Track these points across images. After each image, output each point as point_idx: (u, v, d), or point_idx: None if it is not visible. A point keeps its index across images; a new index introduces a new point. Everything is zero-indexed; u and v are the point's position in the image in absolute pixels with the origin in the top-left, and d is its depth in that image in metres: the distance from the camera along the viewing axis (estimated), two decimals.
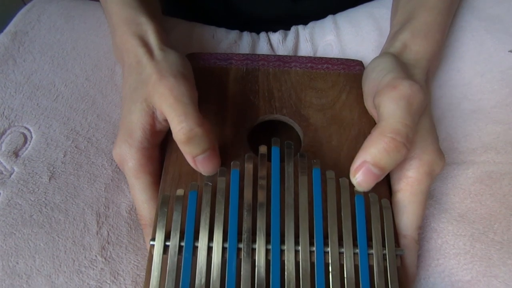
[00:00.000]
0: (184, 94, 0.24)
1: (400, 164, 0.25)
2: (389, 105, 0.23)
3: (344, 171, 0.24)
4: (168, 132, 0.27)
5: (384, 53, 0.30)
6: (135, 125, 0.25)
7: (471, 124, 0.31)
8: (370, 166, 0.22)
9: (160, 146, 0.27)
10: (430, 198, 0.28)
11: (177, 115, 0.23)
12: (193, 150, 0.23)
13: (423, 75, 0.27)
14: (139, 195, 0.26)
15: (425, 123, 0.25)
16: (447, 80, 0.33)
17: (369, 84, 0.28)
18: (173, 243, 0.22)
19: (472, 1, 0.36)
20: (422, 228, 0.26)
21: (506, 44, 0.33)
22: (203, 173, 0.24)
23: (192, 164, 0.24)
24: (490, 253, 0.25)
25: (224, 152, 0.27)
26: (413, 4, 0.31)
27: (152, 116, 0.25)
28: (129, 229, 0.27)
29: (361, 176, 0.22)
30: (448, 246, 0.25)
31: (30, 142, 0.29)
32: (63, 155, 0.29)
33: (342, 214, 0.23)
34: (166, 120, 0.25)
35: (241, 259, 0.22)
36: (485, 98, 0.32)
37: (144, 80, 0.26)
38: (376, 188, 0.25)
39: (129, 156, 0.25)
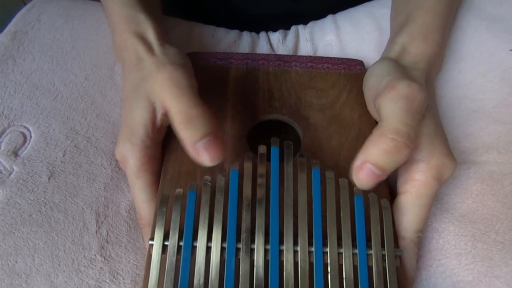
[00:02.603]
0: (182, 78, 0.24)
1: (408, 167, 0.24)
2: (389, 105, 0.23)
3: (344, 171, 0.24)
4: (168, 131, 0.27)
5: (383, 58, 0.29)
6: (137, 122, 0.25)
7: (472, 124, 0.31)
8: (371, 167, 0.22)
9: (161, 146, 0.27)
10: (434, 200, 0.27)
11: (175, 97, 0.23)
12: (192, 133, 0.22)
13: (422, 76, 0.27)
14: (139, 195, 0.26)
15: (431, 125, 0.25)
16: (448, 80, 0.33)
17: (369, 89, 0.28)
18: (172, 242, 0.22)
19: (473, 1, 0.36)
20: (423, 231, 0.26)
21: (507, 43, 0.33)
22: (205, 164, 0.22)
23: (193, 154, 0.22)
24: (491, 254, 0.25)
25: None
26: (411, 6, 0.31)
27: (154, 113, 0.25)
28: (129, 228, 0.27)
29: (362, 176, 0.22)
30: (450, 246, 0.25)
31: (29, 141, 0.29)
32: (62, 155, 0.29)
33: (341, 215, 0.23)
34: (166, 115, 0.25)
35: (239, 259, 0.22)
36: (486, 98, 0.32)
37: (145, 76, 0.26)
38: (376, 188, 0.25)
39: (131, 154, 0.25)
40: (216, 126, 0.23)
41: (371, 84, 0.27)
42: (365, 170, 0.22)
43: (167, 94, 0.24)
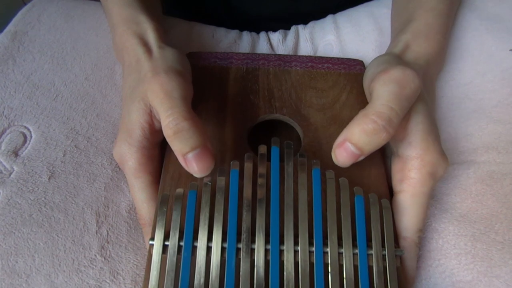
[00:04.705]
0: (174, 89, 0.24)
1: (402, 165, 0.25)
2: (380, 87, 0.23)
3: (344, 171, 0.24)
4: None
5: (386, 53, 0.30)
6: (134, 124, 0.25)
7: (472, 124, 0.31)
8: (349, 145, 0.22)
9: (160, 146, 0.27)
10: (431, 198, 0.27)
11: (164, 110, 0.23)
12: (181, 146, 0.22)
13: (420, 70, 0.27)
14: (139, 195, 0.26)
15: (426, 123, 0.25)
16: (448, 80, 0.33)
17: (367, 79, 0.28)
18: (172, 242, 0.22)
19: (473, 1, 0.36)
20: (424, 231, 0.26)
21: (507, 43, 0.33)
22: (194, 175, 0.23)
23: (183, 164, 0.23)
24: (491, 253, 0.25)
25: (224, 152, 0.27)
26: (412, 6, 0.31)
27: (150, 114, 0.25)
28: (129, 228, 0.27)
29: (340, 153, 0.23)
30: (449, 246, 0.25)
31: (29, 141, 0.29)
32: (62, 155, 0.29)
33: (342, 214, 0.23)
34: None
35: (240, 259, 0.22)
36: (486, 97, 0.32)
37: (142, 78, 0.26)
38: (376, 188, 0.25)
39: (128, 155, 0.25)
40: (206, 137, 0.23)
41: (370, 73, 0.27)
42: (344, 148, 0.23)
43: (158, 105, 0.23)
